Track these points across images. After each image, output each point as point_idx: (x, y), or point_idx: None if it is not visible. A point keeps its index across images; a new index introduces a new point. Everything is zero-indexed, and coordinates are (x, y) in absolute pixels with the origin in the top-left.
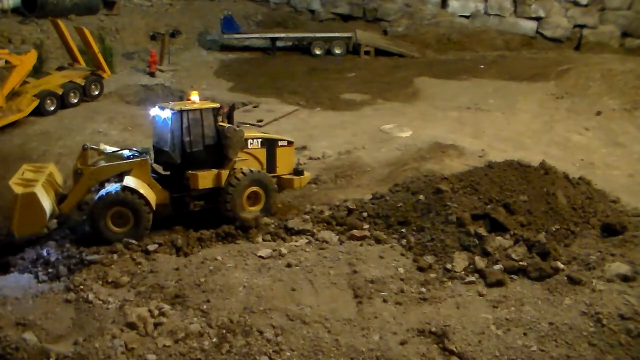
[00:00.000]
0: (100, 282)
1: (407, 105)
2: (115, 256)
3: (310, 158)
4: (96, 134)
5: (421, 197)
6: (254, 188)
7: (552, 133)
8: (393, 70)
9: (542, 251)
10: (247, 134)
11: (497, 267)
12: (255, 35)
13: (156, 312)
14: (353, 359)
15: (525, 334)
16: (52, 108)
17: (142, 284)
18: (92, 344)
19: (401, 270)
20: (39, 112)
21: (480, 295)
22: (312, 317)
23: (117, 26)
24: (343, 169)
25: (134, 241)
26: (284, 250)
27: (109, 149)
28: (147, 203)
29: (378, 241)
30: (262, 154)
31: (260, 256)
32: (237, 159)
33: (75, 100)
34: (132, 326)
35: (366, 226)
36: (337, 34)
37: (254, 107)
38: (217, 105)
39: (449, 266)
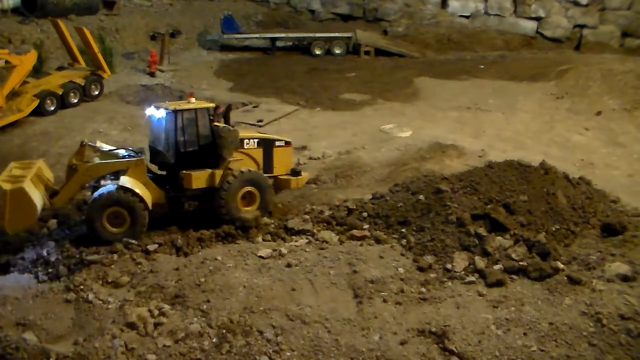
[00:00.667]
0: (100, 282)
1: (407, 105)
2: (115, 256)
3: (310, 158)
4: (96, 134)
5: (421, 197)
6: (249, 188)
7: (552, 133)
8: (393, 70)
9: (542, 251)
10: (243, 134)
11: (497, 267)
12: (255, 35)
13: (156, 312)
14: (353, 359)
15: (525, 334)
16: (52, 108)
17: (142, 284)
18: (92, 344)
19: (401, 270)
20: (39, 112)
21: (480, 295)
22: (312, 317)
23: (117, 26)
24: (343, 169)
25: (133, 241)
26: (284, 250)
27: (106, 147)
28: (143, 202)
29: (378, 241)
30: (258, 154)
31: (260, 256)
32: (232, 159)
33: (75, 100)
34: (132, 326)
35: (366, 226)
36: (337, 34)
37: (254, 107)
38: (212, 105)
39: (449, 266)
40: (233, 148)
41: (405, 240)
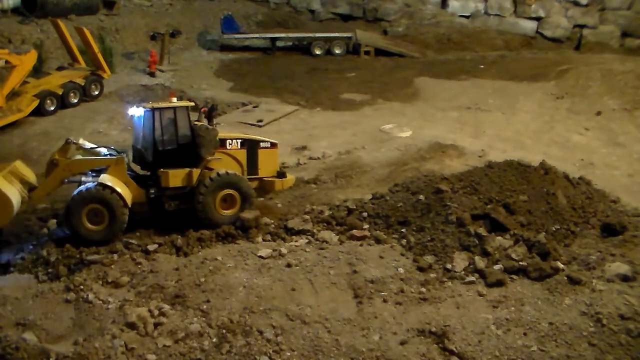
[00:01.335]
0: (100, 282)
1: (407, 105)
2: (115, 256)
3: (310, 158)
4: (96, 134)
5: (421, 197)
6: (229, 191)
7: (552, 133)
8: (393, 70)
9: (542, 251)
10: (225, 134)
11: (497, 267)
12: (255, 35)
13: (156, 312)
14: (353, 359)
15: (525, 334)
16: (52, 108)
17: (142, 284)
18: (92, 344)
19: (401, 270)
20: (39, 112)
21: (480, 295)
22: (312, 317)
23: (117, 26)
24: (343, 169)
25: (133, 241)
26: (284, 250)
27: (88, 144)
28: (123, 201)
29: (378, 241)
30: (242, 155)
31: (260, 256)
32: (212, 158)
33: (75, 100)
34: (132, 326)
35: (366, 226)
36: (337, 34)
37: (254, 107)
38: (191, 104)
39: (449, 266)
40: (212, 147)
41: (405, 240)
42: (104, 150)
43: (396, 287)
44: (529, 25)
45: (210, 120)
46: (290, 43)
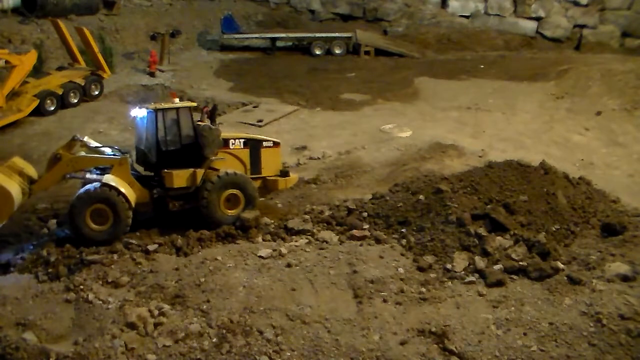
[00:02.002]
0: (100, 282)
1: (407, 105)
2: (115, 256)
3: (310, 158)
4: (96, 134)
5: (421, 197)
6: (232, 191)
7: (552, 133)
8: (393, 70)
9: (542, 251)
10: (228, 134)
11: (497, 267)
12: (255, 35)
13: (156, 312)
14: (353, 359)
15: (525, 334)
16: (52, 108)
17: (142, 284)
18: (92, 344)
19: (401, 270)
20: (39, 112)
21: (480, 295)
22: (312, 317)
23: (117, 26)
24: (343, 169)
25: (133, 241)
26: (284, 250)
27: (94, 143)
28: (127, 201)
29: (378, 241)
30: (245, 155)
31: (260, 256)
32: (215, 158)
33: (75, 100)
34: (132, 326)
35: (366, 226)
36: (337, 34)
37: (254, 107)
38: (194, 104)
39: (449, 266)
40: (215, 147)
41: (405, 240)
42: (108, 150)
43: (396, 287)
44: (529, 25)
45: (212, 120)
46: (290, 43)
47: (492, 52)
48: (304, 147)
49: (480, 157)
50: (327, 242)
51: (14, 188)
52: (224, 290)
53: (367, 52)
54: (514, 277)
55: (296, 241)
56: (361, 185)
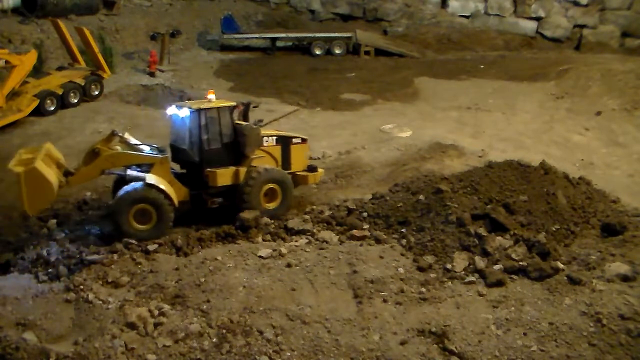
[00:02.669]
0: (100, 282)
1: (407, 105)
2: (115, 256)
3: (311, 158)
4: (96, 134)
5: (421, 197)
6: (271, 185)
7: (552, 133)
8: (393, 70)
9: (542, 251)
10: (262, 132)
11: (497, 267)
12: (255, 35)
13: (156, 312)
14: (353, 359)
15: (525, 334)
16: (52, 108)
17: (142, 284)
18: (92, 344)
19: (401, 270)
20: (39, 112)
21: (480, 295)
22: (312, 317)
23: (117, 26)
24: (343, 169)
25: (133, 241)
26: (284, 250)
27: (133, 140)
28: (170, 200)
29: (378, 241)
30: (277, 152)
31: (260, 256)
32: (254, 156)
33: (75, 100)
34: (132, 326)
35: (366, 226)
36: (337, 34)
37: (254, 107)
38: (233, 103)
39: (449, 266)
40: (255, 145)
41: (405, 240)
42: (146, 148)
43: (396, 287)
44: (529, 25)
45: (245, 118)
46: (290, 43)
47: (492, 52)
48: None
49: (480, 157)
50: (327, 242)
51: (54, 178)
52: (224, 290)
53: (367, 52)
54: (514, 277)
55: (296, 241)
56: (361, 185)
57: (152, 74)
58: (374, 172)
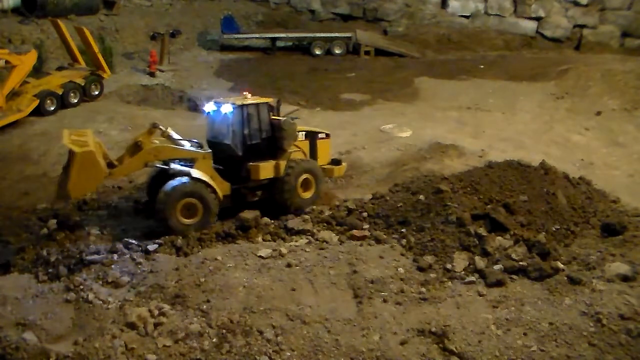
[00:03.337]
0: (100, 282)
1: (407, 105)
2: (115, 256)
3: None
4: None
5: (421, 197)
6: (306, 176)
7: (552, 133)
8: (393, 70)
9: (542, 251)
10: None
11: (497, 267)
12: (255, 35)
13: (156, 312)
14: (353, 359)
15: (525, 334)
16: (52, 108)
17: (142, 284)
18: (92, 344)
19: (401, 270)
20: (39, 112)
21: (480, 295)
22: (312, 317)
23: (117, 26)
24: None
25: (133, 241)
26: (284, 250)
27: (175, 135)
28: (216, 194)
29: (378, 241)
30: (305, 146)
31: (260, 256)
32: (290, 150)
33: (75, 100)
34: (132, 326)
35: (366, 226)
36: (337, 34)
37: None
38: (271, 100)
39: (449, 266)
40: (292, 140)
41: (405, 240)
42: (186, 143)
43: (396, 287)
44: (529, 25)
45: (277, 114)
46: (290, 43)
47: (492, 52)
48: None
49: (480, 157)
50: (327, 242)
51: (104, 167)
52: (224, 290)
53: (367, 52)
54: (514, 277)
55: (296, 241)
56: (361, 185)
57: (152, 74)
58: (374, 172)
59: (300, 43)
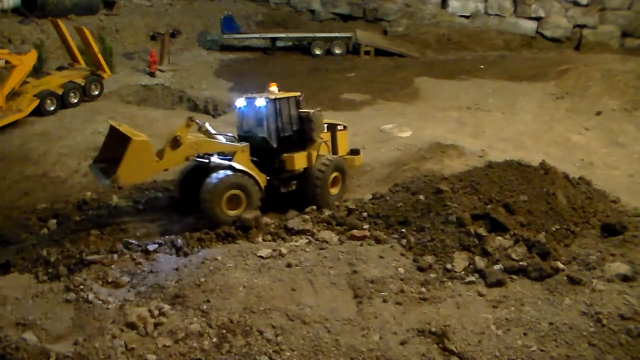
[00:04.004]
0: (100, 282)
1: (407, 105)
2: (115, 256)
3: None
4: (96, 134)
5: (421, 197)
6: (336, 173)
7: (552, 133)
8: (393, 70)
9: (542, 251)
10: None
11: (497, 267)
12: (255, 35)
13: (156, 312)
14: (353, 359)
15: (525, 334)
16: (52, 108)
17: (142, 284)
18: (92, 344)
19: (401, 270)
20: (39, 112)
21: (480, 295)
22: (312, 317)
23: (117, 26)
24: None
25: (133, 241)
26: (284, 250)
27: (211, 129)
28: (259, 185)
29: (378, 241)
30: (328, 137)
31: (260, 256)
32: (319, 140)
33: (75, 100)
34: (132, 326)
35: (366, 226)
36: (337, 34)
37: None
38: (299, 94)
39: (449, 266)
40: (320, 130)
41: (405, 240)
42: (222, 138)
43: (396, 287)
44: (529, 25)
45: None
46: (290, 43)
47: (492, 52)
48: None
49: (480, 157)
50: (327, 242)
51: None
52: (224, 290)
53: (367, 52)
54: (514, 277)
55: (296, 241)
56: (361, 185)
57: (152, 74)
58: (374, 172)
59: (300, 43)
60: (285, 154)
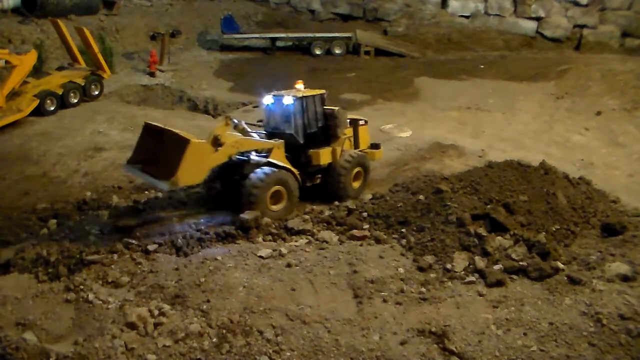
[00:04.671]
0: (100, 282)
1: (407, 105)
2: (115, 256)
3: None
4: (96, 134)
5: (421, 197)
6: (358, 168)
7: (552, 133)
8: (393, 70)
9: (542, 251)
10: None
11: (497, 267)
12: (255, 35)
13: (156, 312)
14: (353, 359)
15: (525, 334)
16: (52, 108)
17: (142, 284)
18: (92, 344)
19: (401, 270)
20: (39, 112)
21: (480, 295)
22: (312, 317)
23: (117, 26)
24: None
25: (133, 241)
26: (284, 250)
27: (247, 127)
28: (297, 180)
29: (378, 241)
30: (350, 133)
31: (260, 256)
32: (343, 136)
33: (75, 100)
34: (132, 326)
35: (366, 226)
36: (337, 34)
37: (254, 107)
38: (324, 92)
39: (449, 266)
40: (345, 127)
41: (405, 240)
42: (255, 135)
43: (396, 287)
44: (529, 25)
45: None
46: (290, 43)
47: (492, 52)
48: None
49: (480, 157)
50: (327, 242)
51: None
52: (224, 290)
53: (367, 52)
54: (514, 277)
55: (296, 241)
56: None
57: (152, 74)
58: (374, 172)
59: (300, 43)
60: (311, 150)
